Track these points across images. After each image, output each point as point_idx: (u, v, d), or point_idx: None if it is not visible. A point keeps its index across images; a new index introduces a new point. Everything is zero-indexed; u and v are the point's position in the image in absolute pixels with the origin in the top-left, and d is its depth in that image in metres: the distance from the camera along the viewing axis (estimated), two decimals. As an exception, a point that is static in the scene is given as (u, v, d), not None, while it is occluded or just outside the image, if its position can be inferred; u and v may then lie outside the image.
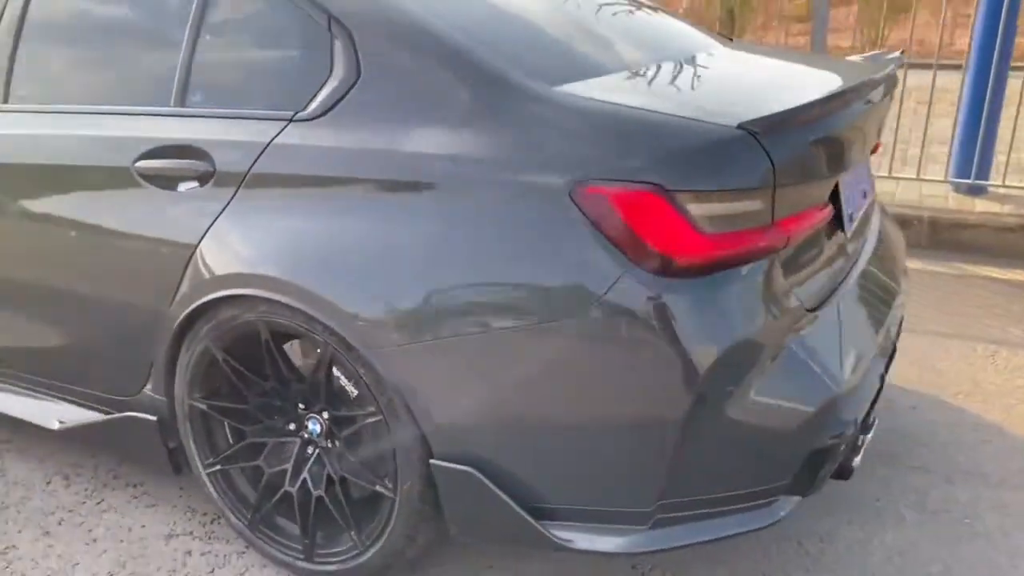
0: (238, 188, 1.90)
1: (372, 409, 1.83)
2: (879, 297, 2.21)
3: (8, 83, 2.30)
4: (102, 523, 2.30)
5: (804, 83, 2.07)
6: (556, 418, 1.71)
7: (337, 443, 1.97)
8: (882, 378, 2.04)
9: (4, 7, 2.32)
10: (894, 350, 2.22)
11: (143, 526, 2.29)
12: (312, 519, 2.01)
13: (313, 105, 1.86)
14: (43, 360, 2.37)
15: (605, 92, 1.76)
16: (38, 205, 2.21)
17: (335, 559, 2.00)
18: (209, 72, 2.03)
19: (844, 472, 1.92)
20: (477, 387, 1.74)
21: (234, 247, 1.90)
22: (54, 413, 2.37)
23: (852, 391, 1.80)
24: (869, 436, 1.98)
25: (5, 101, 2.31)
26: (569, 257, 1.62)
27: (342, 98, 1.83)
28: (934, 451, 2.57)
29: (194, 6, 2.04)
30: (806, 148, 1.76)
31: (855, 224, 2.14)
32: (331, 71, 1.85)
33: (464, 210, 1.69)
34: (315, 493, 2.00)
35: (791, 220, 1.72)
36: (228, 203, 1.91)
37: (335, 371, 1.88)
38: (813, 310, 1.80)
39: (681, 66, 2.12)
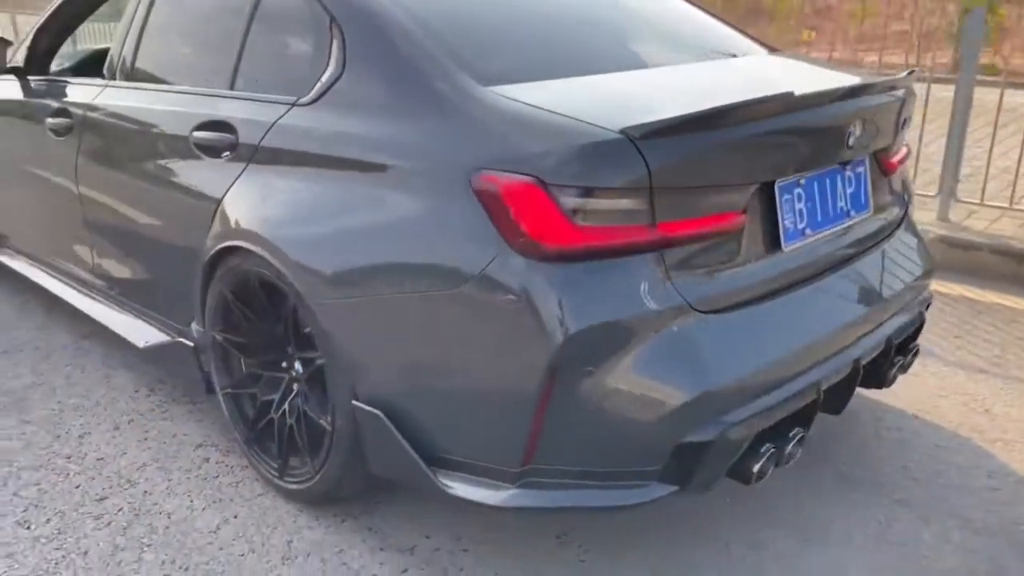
0: (250, 159, 2.30)
1: (319, 353, 2.16)
2: (844, 317, 2.19)
3: (130, 67, 2.91)
4: (157, 427, 2.82)
5: (754, 89, 2.03)
6: (445, 376, 1.96)
7: (304, 381, 2.32)
8: (821, 394, 2.05)
9: (133, 13, 2.94)
10: (857, 372, 2.18)
11: (185, 434, 2.77)
12: (286, 444, 2.38)
13: (311, 93, 2.21)
14: (135, 288, 2.95)
15: (526, 92, 1.96)
16: (134, 161, 2.76)
17: (296, 480, 2.36)
18: (250, 63, 2.47)
19: (742, 476, 1.98)
20: (387, 341, 2.02)
21: (239, 207, 2.31)
22: (143, 334, 2.92)
23: (732, 393, 1.87)
24: (788, 448, 2.01)
25: (124, 79, 2.92)
26: (463, 235, 1.85)
27: (330, 88, 2.17)
28: (929, 489, 2.47)
29: (246, 14, 2.49)
30: (697, 155, 1.84)
31: (814, 239, 2.14)
32: (327, 65, 2.20)
33: (398, 189, 1.97)
34: (289, 422, 2.35)
35: (677, 223, 1.82)
36: (243, 170, 2.32)
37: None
38: (706, 311, 1.86)
39: (635, 74, 2.27)
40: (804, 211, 2.11)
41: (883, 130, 2.33)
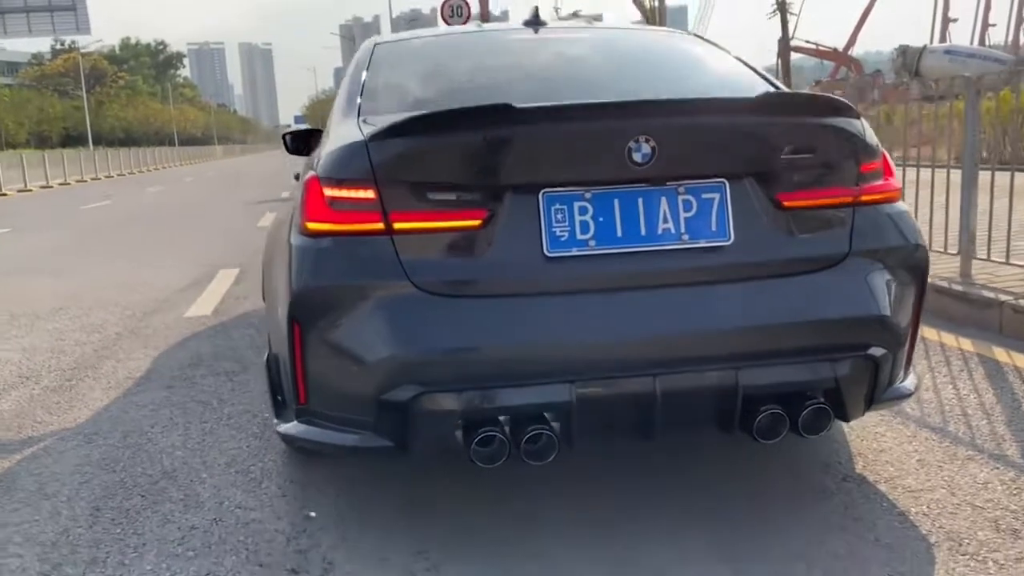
0: None
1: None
2: (637, 334, 2.16)
3: None
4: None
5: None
6: (276, 333, 2.47)
7: None
8: (577, 403, 2.11)
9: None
10: (654, 399, 2.14)
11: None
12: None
13: None
14: None
15: (374, 118, 2.47)
16: None
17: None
18: None
19: (469, 455, 2.13)
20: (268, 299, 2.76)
21: None
22: None
23: (432, 365, 2.10)
24: (523, 440, 2.09)
25: None
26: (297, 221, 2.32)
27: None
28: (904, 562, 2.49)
29: None
30: (417, 156, 2.16)
31: (608, 252, 2.15)
32: None
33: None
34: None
35: (408, 214, 2.14)
36: None
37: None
38: (431, 292, 2.12)
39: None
40: (591, 224, 2.15)
41: (723, 153, 2.24)
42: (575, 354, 2.14)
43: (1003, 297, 4.36)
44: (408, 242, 2.13)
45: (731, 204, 2.21)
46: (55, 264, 8.75)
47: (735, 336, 2.20)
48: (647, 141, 2.12)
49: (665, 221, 2.18)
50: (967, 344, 4.09)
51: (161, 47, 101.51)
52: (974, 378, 3.59)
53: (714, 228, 2.20)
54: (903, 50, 38.79)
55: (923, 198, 5.61)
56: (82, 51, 64.49)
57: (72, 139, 52.80)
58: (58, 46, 75.82)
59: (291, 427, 2.36)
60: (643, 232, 2.18)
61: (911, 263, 2.39)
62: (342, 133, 2.41)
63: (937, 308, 4.62)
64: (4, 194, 24.65)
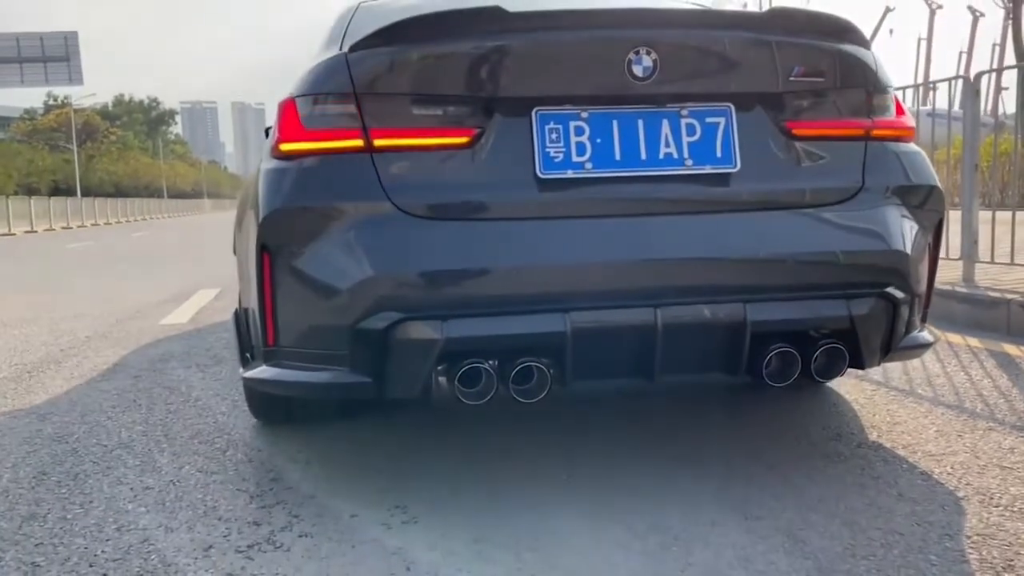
0: None
1: None
2: (635, 260, 1.99)
3: None
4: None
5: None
6: (245, 274, 2.37)
7: None
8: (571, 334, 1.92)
9: None
10: (654, 330, 1.95)
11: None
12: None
13: None
14: None
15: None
16: None
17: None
18: None
19: (463, 393, 1.94)
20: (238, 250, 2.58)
21: None
22: None
23: (409, 290, 1.92)
24: (512, 373, 1.91)
25: None
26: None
27: None
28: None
29: None
30: (400, 67, 2.01)
31: (606, 175, 2.00)
32: None
33: None
34: None
35: (389, 131, 1.98)
36: None
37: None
38: (415, 215, 1.95)
39: None
40: (588, 145, 2.01)
41: (728, 72, 2.10)
42: (569, 281, 1.96)
43: (1010, 296, 4.21)
44: (390, 161, 1.98)
45: (737, 129, 2.06)
46: (31, 286, 8.52)
47: (743, 267, 2.04)
48: (648, 53, 1.99)
49: (667, 145, 2.04)
50: (975, 342, 3.92)
51: (154, 104, 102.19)
52: (986, 367, 3.41)
53: (719, 154, 2.05)
54: (887, 112, 39.49)
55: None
56: (75, 107, 64.93)
57: (61, 191, 52.47)
58: (51, 101, 76.28)
59: (259, 371, 2.15)
60: (644, 156, 2.03)
61: (927, 204, 2.24)
62: (321, 56, 2.21)
63: (941, 311, 4.46)
64: (-13, 238, 24.44)
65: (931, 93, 5.44)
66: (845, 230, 2.10)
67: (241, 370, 2.32)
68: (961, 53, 52.11)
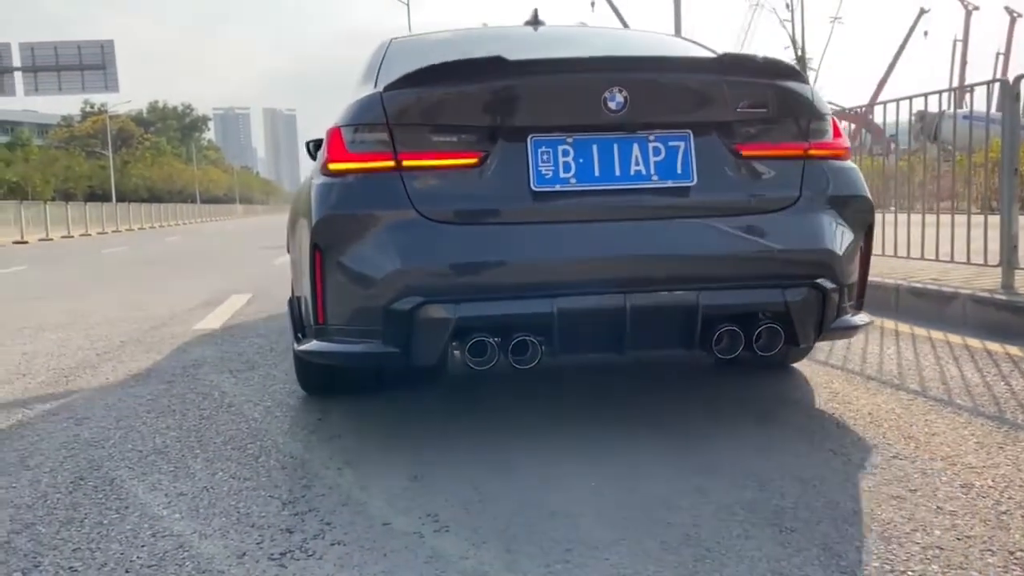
0: None
1: None
2: (607, 256, 2.44)
3: None
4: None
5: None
6: (298, 264, 2.90)
7: None
8: (557, 315, 2.39)
9: None
10: (622, 313, 2.41)
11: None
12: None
13: None
14: None
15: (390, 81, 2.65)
16: None
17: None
18: None
19: (471, 361, 2.40)
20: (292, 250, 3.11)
21: None
22: None
23: (430, 278, 2.39)
24: (511, 346, 2.38)
25: None
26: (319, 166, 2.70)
27: None
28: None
29: None
30: (422, 104, 2.48)
31: (587, 188, 2.45)
32: None
33: None
34: None
35: (414, 154, 2.46)
36: None
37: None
38: (433, 219, 2.42)
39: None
40: (572, 164, 2.46)
41: (687, 105, 2.54)
42: (556, 273, 2.43)
43: (1050, 304, 4.13)
44: (415, 177, 2.45)
45: (695, 151, 2.50)
46: (68, 291, 8.66)
47: (696, 262, 2.51)
48: (620, 91, 2.44)
49: (637, 164, 2.48)
50: (1015, 350, 3.85)
51: (188, 110, 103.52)
52: (1027, 377, 3.35)
53: (679, 171, 2.50)
54: (921, 115, 38.58)
55: (959, 220, 5.42)
56: (111, 114, 65.97)
57: (97, 196, 53.38)
58: (88, 108, 77.57)
59: (310, 345, 2.65)
60: (618, 172, 2.47)
61: (855, 210, 2.68)
62: (360, 93, 2.67)
63: (979, 319, 4.39)
64: (24, 242, 24.88)
65: (967, 96, 5.36)
66: (783, 232, 2.54)
67: (295, 345, 2.81)
68: (998, 55, 51.38)
